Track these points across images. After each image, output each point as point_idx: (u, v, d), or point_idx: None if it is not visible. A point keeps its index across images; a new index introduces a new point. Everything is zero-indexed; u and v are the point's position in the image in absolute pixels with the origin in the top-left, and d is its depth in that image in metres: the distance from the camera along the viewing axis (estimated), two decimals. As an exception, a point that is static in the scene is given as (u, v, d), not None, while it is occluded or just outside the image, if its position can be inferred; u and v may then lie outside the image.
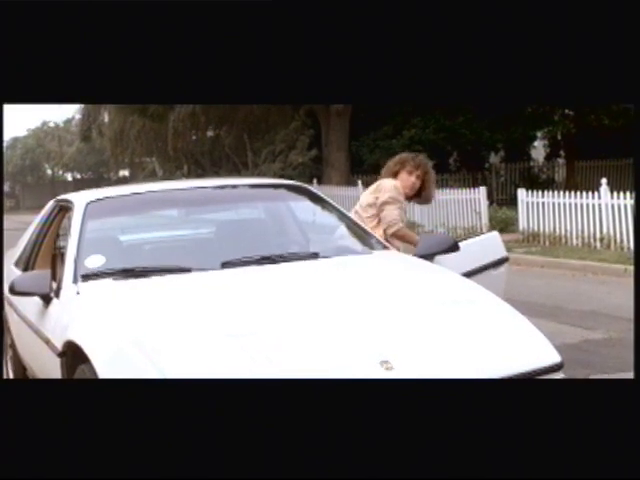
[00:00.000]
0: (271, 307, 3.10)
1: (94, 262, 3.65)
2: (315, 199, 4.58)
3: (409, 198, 5.07)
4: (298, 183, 4.98)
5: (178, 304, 3.17)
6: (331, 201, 4.57)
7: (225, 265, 3.60)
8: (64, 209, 4.48)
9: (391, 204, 4.79)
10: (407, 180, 4.95)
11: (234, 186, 4.86)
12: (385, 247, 4.13)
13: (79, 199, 4.20)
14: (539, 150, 24.34)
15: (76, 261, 3.62)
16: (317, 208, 4.57)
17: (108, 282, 3.47)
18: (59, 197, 4.82)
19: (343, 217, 4.42)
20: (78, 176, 50.58)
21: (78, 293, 3.41)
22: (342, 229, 4.35)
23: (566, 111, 19.36)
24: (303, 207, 4.66)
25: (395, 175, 4.97)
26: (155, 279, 3.47)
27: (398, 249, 4.67)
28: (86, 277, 3.53)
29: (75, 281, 3.52)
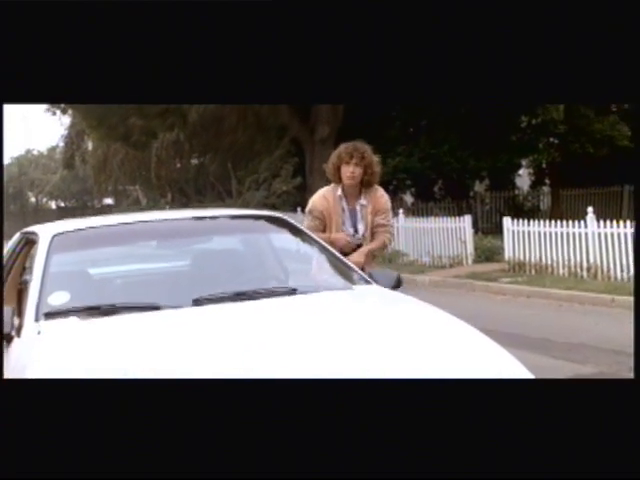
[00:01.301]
0: (241, 348, 2.89)
1: (58, 299, 3.44)
2: (295, 231, 4.40)
3: (357, 187, 4.99)
4: (277, 214, 4.81)
5: (141, 345, 2.97)
6: (311, 233, 4.39)
7: (196, 302, 3.41)
8: (30, 242, 4.28)
9: (306, 219, 5.08)
10: (346, 171, 4.92)
11: (211, 217, 4.67)
12: (367, 282, 3.94)
13: (45, 231, 4.00)
14: (524, 178, 24.35)
15: (39, 298, 3.42)
16: (297, 240, 4.39)
17: (72, 321, 3.27)
18: (25, 229, 4.62)
19: (323, 250, 4.23)
20: (62, 204, 50.37)
21: (39, 333, 3.20)
22: (322, 263, 4.17)
23: (550, 139, 19.38)
24: (282, 239, 4.48)
25: (339, 170, 4.96)
26: (121, 317, 3.28)
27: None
28: (49, 315, 3.33)
29: (37, 319, 3.32)
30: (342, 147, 5.02)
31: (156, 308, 3.36)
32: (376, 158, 5.04)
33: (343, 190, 5.01)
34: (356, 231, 5.01)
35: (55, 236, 3.86)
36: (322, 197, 5.04)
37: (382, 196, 5.09)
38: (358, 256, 4.83)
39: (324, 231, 4.96)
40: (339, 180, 5.00)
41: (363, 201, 5.01)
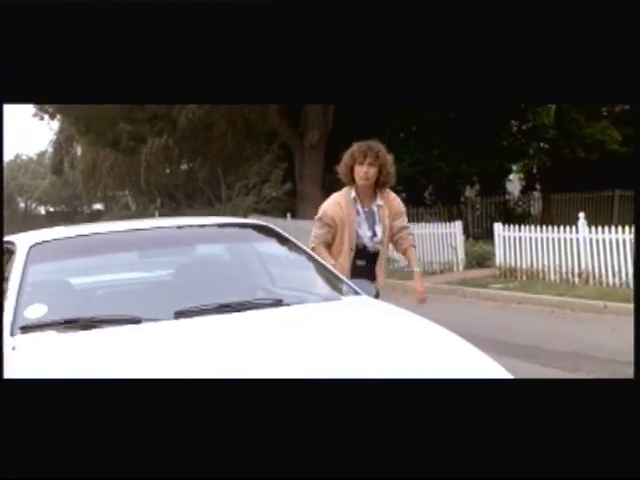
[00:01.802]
0: (222, 363, 2.78)
1: (35, 312, 3.32)
2: (281, 240, 4.29)
3: (371, 187, 4.83)
4: (264, 223, 4.69)
5: (119, 362, 2.85)
6: (299, 243, 4.28)
7: (179, 315, 3.29)
8: (9, 252, 4.15)
9: (314, 226, 4.87)
10: (360, 171, 4.73)
11: (197, 226, 4.56)
12: (356, 292, 3.83)
13: (22, 241, 3.88)
14: (514, 183, 24.32)
15: (14, 311, 3.30)
16: (283, 250, 4.28)
17: (49, 335, 3.15)
18: (6, 238, 4.49)
19: (311, 260, 4.12)
20: (51, 210, 50.13)
21: (14, 348, 3.08)
22: (310, 273, 4.06)
23: (541, 144, 19.35)
24: (269, 248, 4.37)
25: (352, 170, 4.78)
26: (100, 331, 3.16)
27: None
28: (25, 329, 3.21)
29: (12, 334, 3.19)
30: (355, 146, 4.81)
31: (137, 321, 3.25)
32: (390, 158, 4.84)
33: (357, 192, 4.81)
34: (374, 234, 4.81)
35: (33, 246, 3.74)
36: (334, 203, 4.83)
37: (395, 199, 4.94)
38: (419, 284, 4.97)
39: (334, 239, 4.79)
40: (352, 181, 4.80)
41: (380, 202, 4.83)
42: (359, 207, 4.81)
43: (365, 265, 4.80)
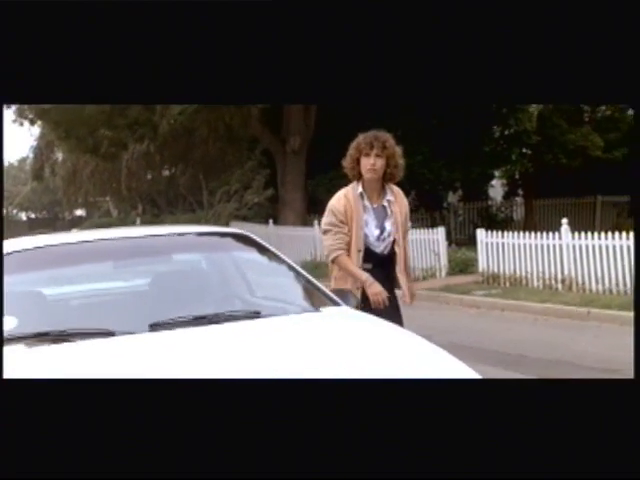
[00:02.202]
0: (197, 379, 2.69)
1: (5, 325, 3.22)
2: (261, 250, 4.20)
3: (379, 182, 4.52)
4: (243, 232, 4.59)
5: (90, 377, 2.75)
6: (279, 253, 4.19)
7: (153, 327, 3.20)
8: (-21, 262, 4.04)
9: (326, 233, 4.48)
10: (366, 164, 4.41)
11: (175, 234, 4.45)
12: (336, 303, 3.74)
13: None
14: (497, 189, 24.35)
15: None
16: (263, 259, 4.18)
17: (18, 349, 3.05)
18: None
19: (291, 270, 4.03)
20: (32, 216, 49.88)
21: None
22: (289, 283, 3.97)
23: (524, 150, 19.38)
24: (248, 258, 4.28)
25: (358, 163, 4.45)
26: (71, 345, 3.07)
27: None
28: None
29: None
30: (361, 137, 4.51)
31: (110, 334, 3.16)
32: (399, 149, 4.57)
33: (364, 187, 4.49)
34: (382, 231, 4.48)
35: (4, 256, 3.64)
36: (342, 197, 4.47)
37: (404, 196, 4.70)
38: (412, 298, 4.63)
39: (349, 244, 4.45)
40: (359, 175, 4.47)
41: (390, 197, 4.53)
42: (367, 203, 4.50)
43: (372, 269, 4.44)
